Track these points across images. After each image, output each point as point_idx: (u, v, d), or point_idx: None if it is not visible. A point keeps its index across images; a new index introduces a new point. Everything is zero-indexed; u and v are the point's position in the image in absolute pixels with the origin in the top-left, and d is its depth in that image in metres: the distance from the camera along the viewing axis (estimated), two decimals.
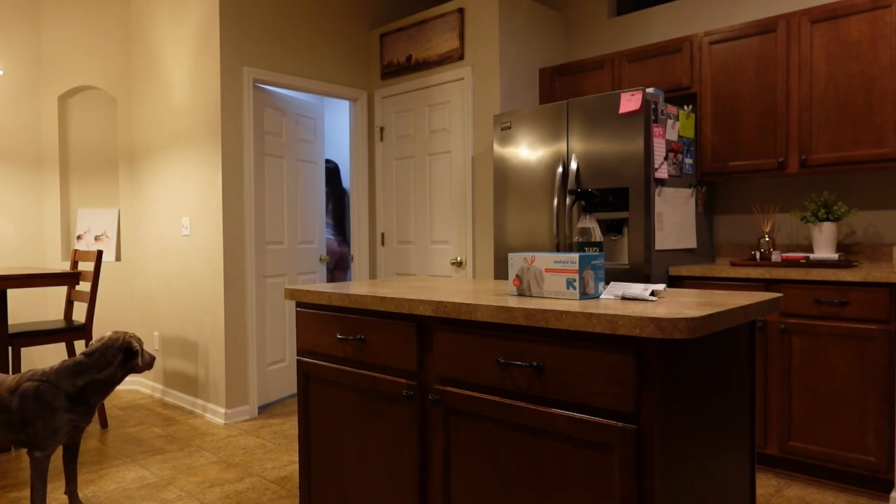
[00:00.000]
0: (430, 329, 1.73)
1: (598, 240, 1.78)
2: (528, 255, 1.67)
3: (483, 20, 3.88)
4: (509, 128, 3.55)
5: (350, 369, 1.94)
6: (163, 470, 3.04)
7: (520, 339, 1.50)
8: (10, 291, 4.37)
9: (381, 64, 4.53)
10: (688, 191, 3.33)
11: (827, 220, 3.05)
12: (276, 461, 3.16)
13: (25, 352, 4.50)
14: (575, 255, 1.57)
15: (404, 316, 1.80)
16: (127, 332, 2.52)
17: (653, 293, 1.65)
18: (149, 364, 2.54)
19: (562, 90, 3.99)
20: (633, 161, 3.03)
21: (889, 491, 2.66)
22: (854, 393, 2.68)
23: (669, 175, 3.17)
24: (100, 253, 3.62)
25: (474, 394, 1.60)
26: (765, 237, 3.28)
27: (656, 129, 3.05)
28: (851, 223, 3.24)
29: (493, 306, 1.52)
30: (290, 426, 3.74)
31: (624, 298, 1.59)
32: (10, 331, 3.44)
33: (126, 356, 2.46)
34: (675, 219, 3.22)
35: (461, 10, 3.98)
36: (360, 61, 4.60)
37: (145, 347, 2.79)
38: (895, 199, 3.11)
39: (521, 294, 1.69)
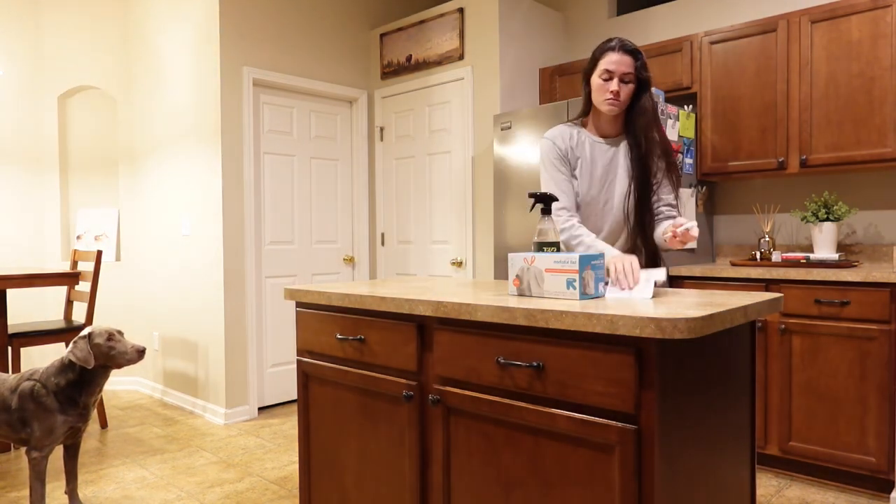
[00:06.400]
0: (430, 329, 1.73)
1: (554, 240, 1.74)
2: (528, 255, 1.67)
3: (483, 20, 3.88)
4: (509, 128, 3.55)
5: (350, 369, 1.94)
6: (163, 470, 3.04)
7: (520, 339, 1.50)
8: (10, 291, 4.37)
9: (381, 64, 4.52)
10: (688, 191, 3.33)
11: (827, 220, 3.05)
12: (276, 461, 3.15)
13: (25, 352, 4.50)
14: (575, 255, 1.57)
15: (404, 316, 1.79)
16: (92, 330, 2.36)
17: (654, 283, 1.66)
18: (130, 358, 2.38)
19: (562, 90, 3.99)
20: None
21: (889, 491, 2.65)
22: (854, 393, 2.67)
23: None
24: (100, 253, 3.62)
25: (474, 394, 1.60)
26: (765, 237, 3.28)
27: None
28: (852, 223, 3.24)
29: (493, 306, 1.52)
30: (290, 426, 3.74)
31: (624, 296, 1.59)
32: (10, 331, 3.43)
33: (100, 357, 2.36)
34: None
35: (461, 10, 3.98)
36: (360, 61, 4.60)
37: (148, 348, 2.77)
38: (895, 199, 3.11)
39: (521, 294, 1.69)
